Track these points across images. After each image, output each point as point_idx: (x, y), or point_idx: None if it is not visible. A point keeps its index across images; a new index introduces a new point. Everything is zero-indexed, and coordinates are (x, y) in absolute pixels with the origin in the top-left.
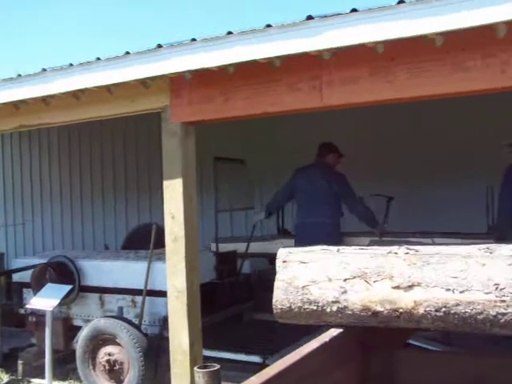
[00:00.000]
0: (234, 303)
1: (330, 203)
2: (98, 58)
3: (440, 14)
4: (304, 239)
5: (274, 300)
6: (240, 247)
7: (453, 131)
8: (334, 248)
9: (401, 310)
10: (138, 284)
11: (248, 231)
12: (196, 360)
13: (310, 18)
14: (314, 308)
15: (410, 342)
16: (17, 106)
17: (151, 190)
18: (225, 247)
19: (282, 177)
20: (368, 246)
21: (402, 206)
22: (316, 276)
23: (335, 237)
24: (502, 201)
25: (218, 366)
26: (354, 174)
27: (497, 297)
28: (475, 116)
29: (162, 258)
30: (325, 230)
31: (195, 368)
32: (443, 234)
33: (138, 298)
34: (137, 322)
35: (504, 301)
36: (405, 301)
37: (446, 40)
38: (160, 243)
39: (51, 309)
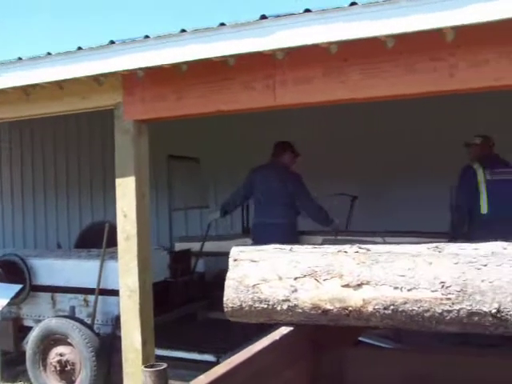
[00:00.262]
0: (188, 302)
1: (285, 203)
2: (49, 53)
3: (391, 17)
4: (260, 239)
5: (224, 298)
6: (213, 246)
7: (415, 131)
8: (286, 247)
9: (350, 309)
10: (91, 283)
11: (203, 230)
12: (148, 359)
13: (263, 17)
14: (265, 306)
15: (362, 339)
16: None
17: (105, 187)
18: (186, 246)
19: (237, 176)
20: (321, 244)
21: (364, 206)
22: (266, 275)
23: (291, 236)
24: (458, 199)
25: (164, 365)
26: (315, 174)
27: (443, 294)
28: (436, 116)
29: (114, 256)
30: (280, 230)
31: (142, 367)
32: (399, 232)
33: (91, 297)
34: (89, 322)
35: (449, 298)
36: (354, 299)
37: (397, 42)
38: (113, 242)
39: (0, 309)
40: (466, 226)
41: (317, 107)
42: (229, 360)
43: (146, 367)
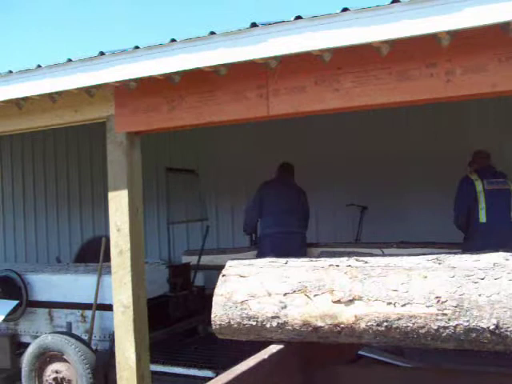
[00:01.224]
0: (188, 317)
1: (299, 214)
2: (39, 66)
3: (384, 23)
4: (279, 248)
5: (212, 315)
6: (213, 260)
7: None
8: (281, 260)
9: (342, 325)
10: (88, 298)
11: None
12: (143, 376)
13: (254, 25)
14: (254, 323)
15: (361, 353)
16: None
17: (106, 201)
18: (193, 259)
19: (236, 188)
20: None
21: (374, 216)
22: (255, 290)
23: (305, 247)
24: (455, 210)
25: None
26: (325, 185)
27: (438, 310)
28: (447, 125)
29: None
30: (299, 239)
31: None
32: (413, 243)
33: (88, 313)
34: (87, 338)
35: (445, 314)
36: (346, 315)
37: (391, 48)
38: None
39: None
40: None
41: (323, 117)
42: (213, 381)
43: None
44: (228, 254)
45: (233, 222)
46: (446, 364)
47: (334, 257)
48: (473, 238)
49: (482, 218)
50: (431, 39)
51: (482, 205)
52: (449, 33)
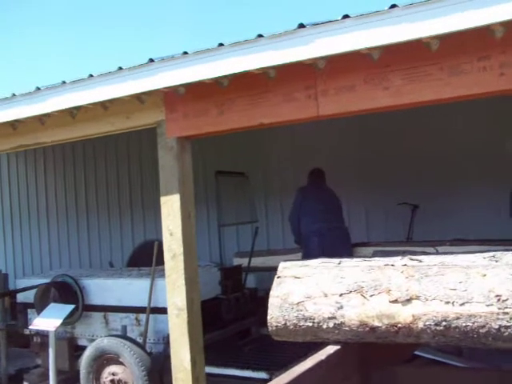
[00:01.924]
0: (240, 318)
1: (341, 212)
2: (91, 75)
3: (434, 17)
4: (326, 243)
5: (268, 317)
6: (264, 261)
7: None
8: (334, 261)
9: (399, 325)
10: (142, 302)
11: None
12: (198, 378)
13: (301, 26)
14: (310, 324)
15: (418, 353)
16: (14, 125)
17: (156, 205)
18: (245, 261)
19: (286, 189)
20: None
21: (427, 215)
22: (311, 291)
23: (350, 242)
24: None
25: None
26: (377, 184)
27: (499, 309)
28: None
29: (164, 274)
30: (346, 234)
31: None
32: (467, 241)
33: (142, 316)
34: (141, 341)
35: (507, 313)
36: (403, 315)
37: (441, 43)
38: (164, 260)
39: (54, 329)
40: None
41: (372, 116)
42: (273, 382)
43: None
44: (279, 256)
45: (283, 222)
46: (506, 365)
47: (388, 256)
48: None
49: None
50: (483, 31)
51: None
52: (503, 24)
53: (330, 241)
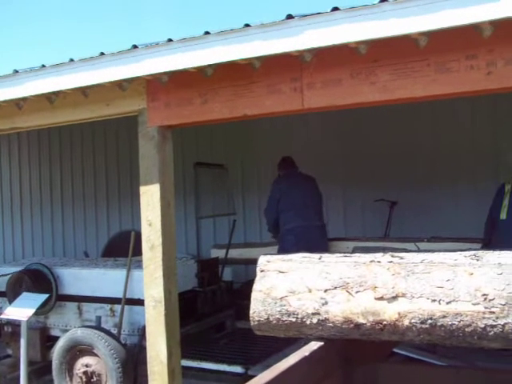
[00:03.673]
0: (216, 311)
1: (319, 206)
2: (72, 60)
3: (423, 13)
4: (303, 242)
5: (251, 311)
6: (242, 253)
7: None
8: (315, 255)
9: (384, 323)
10: (117, 292)
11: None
12: (174, 371)
13: (290, 17)
14: (293, 320)
15: (395, 350)
16: None
17: (133, 195)
18: (222, 253)
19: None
20: (352, 252)
21: (405, 212)
22: (295, 286)
23: (326, 239)
24: (488, 216)
25: None
26: (354, 180)
27: (485, 308)
28: (473, 120)
29: (141, 265)
30: (323, 233)
31: None
32: (437, 238)
33: (117, 307)
34: (115, 332)
35: (493, 312)
36: (389, 312)
37: (430, 40)
38: (140, 250)
39: (26, 319)
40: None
41: (351, 111)
42: (256, 379)
43: None
44: (257, 248)
45: (260, 216)
46: (479, 363)
47: (369, 252)
48: (495, 233)
49: (502, 215)
50: (472, 30)
51: (506, 202)
52: (492, 23)
53: (306, 239)
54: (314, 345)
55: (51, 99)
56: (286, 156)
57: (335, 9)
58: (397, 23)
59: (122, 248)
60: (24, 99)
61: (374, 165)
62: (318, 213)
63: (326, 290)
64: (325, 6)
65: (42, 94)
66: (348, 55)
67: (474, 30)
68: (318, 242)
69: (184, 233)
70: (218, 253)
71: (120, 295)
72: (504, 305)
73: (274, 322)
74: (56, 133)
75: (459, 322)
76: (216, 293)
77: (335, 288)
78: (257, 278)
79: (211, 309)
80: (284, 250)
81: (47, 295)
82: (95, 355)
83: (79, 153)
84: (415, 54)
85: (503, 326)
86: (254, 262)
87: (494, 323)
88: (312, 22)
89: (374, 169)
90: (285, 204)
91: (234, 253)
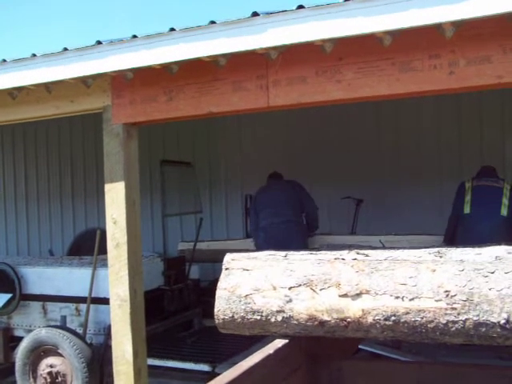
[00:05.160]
0: (183, 310)
1: (292, 204)
2: (34, 55)
3: (388, 12)
4: (272, 239)
5: (215, 309)
6: (208, 245)
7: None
8: (280, 253)
9: (349, 320)
10: (83, 291)
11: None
12: (141, 370)
13: (255, 14)
14: (258, 318)
15: (360, 346)
16: None
17: (99, 193)
18: (189, 246)
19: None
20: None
21: (371, 210)
22: (260, 284)
23: (303, 233)
24: (451, 213)
25: None
26: (320, 178)
27: (447, 304)
28: (444, 117)
29: (106, 264)
30: (295, 228)
31: None
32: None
33: (83, 306)
34: (81, 331)
35: (455, 308)
36: (353, 309)
37: (394, 39)
38: (106, 249)
39: None
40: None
41: (318, 108)
42: (220, 377)
43: None
44: (224, 241)
45: (227, 214)
46: (441, 358)
47: (335, 249)
48: (460, 228)
49: (466, 209)
50: (435, 30)
51: (468, 197)
52: (453, 23)
53: (275, 234)
54: (279, 342)
55: (13, 95)
56: (275, 171)
57: (300, 7)
58: (362, 22)
59: (88, 246)
60: None
61: (340, 163)
62: (292, 209)
63: (290, 288)
64: (292, 4)
65: (4, 90)
66: (313, 53)
67: (436, 30)
68: (289, 237)
69: (151, 231)
70: (186, 245)
71: (85, 294)
72: (465, 301)
73: (239, 319)
74: (20, 129)
75: (422, 318)
76: (183, 291)
77: (299, 285)
78: (222, 276)
79: (178, 307)
80: (257, 245)
81: (10, 295)
82: (60, 355)
83: (44, 149)
84: (380, 53)
85: (464, 321)
86: (221, 260)
87: (456, 319)
88: (277, 20)
89: (340, 167)
90: (259, 207)
91: (202, 245)
